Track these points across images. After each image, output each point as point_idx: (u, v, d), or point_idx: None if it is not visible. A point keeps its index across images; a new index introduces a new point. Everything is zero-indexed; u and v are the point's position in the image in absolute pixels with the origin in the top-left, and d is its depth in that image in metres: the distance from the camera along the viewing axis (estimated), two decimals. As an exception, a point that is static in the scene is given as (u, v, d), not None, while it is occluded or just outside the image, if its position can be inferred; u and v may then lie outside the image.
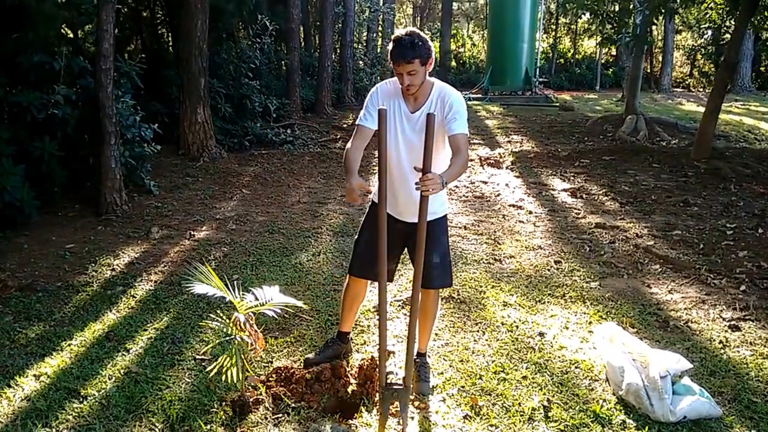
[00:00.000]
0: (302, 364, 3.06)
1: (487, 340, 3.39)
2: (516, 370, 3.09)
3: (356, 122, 2.69)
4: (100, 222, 5.50)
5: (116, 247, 4.91)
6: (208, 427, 2.60)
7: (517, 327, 3.53)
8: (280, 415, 2.66)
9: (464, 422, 2.67)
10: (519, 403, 2.80)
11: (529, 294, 3.99)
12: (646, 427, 2.61)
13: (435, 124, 2.35)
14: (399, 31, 2.50)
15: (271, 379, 2.90)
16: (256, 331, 2.63)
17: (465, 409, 2.76)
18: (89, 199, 5.87)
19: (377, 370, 2.78)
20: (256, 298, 2.72)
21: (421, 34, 2.49)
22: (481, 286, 4.09)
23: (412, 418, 2.68)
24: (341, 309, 3.12)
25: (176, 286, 4.16)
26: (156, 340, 3.39)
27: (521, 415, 2.71)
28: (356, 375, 2.93)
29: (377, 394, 2.67)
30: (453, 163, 2.50)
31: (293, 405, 2.72)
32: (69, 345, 3.32)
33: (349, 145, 2.64)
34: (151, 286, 4.17)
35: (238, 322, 2.58)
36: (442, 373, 3.04)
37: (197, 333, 3.47)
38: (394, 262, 2.92)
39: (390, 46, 2.50)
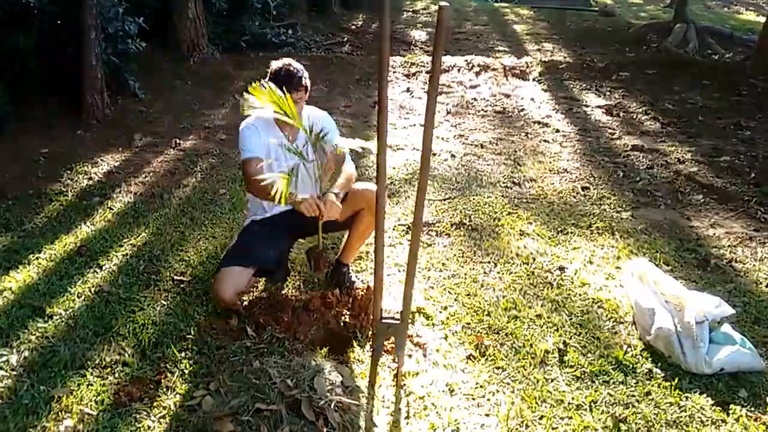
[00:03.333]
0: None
1: (498, 272, 3.22)
2: (530, 307, 2.93)
3: (243, 159, 2.72)
4: (79, 126, 5.29)
5: (95, 154, 4.73)
6: (183, 354, 2.50)
7: (534, 259, 3.35)
8: (263, 345, 2.54)
9: (467, 363, 2.55)
10: (530, 345, 2.66)
11: (550, 223, 3.79)
12: (676, 379, 2.47)
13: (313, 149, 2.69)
14: (278, 63, 2.65)
15: (255, 305, 2.77)
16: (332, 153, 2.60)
17: (469, 348, 2.63)
18: (68, 102, 5.61)
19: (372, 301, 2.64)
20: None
21: (299, 64, 2.69)
22: (495, 212, 3.89)
23: (409, 355, 2.55)
24: None
25: (158, 199, 4.00)
26: (132, 257, 3.26)
27: (532, 358, 2.58)
28: (350, 305, 2.80)
29: (371, 328, 2.54)
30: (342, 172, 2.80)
31: (278, 335, 2.60)
32: (37, 258, 3.21)
33: (254, 176, 2.62)
34: (131, 198, 4.02)
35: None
36: (446, 308, 2.89)
37: (177, 251, 3.33)
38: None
39: (276, 73, 2.61)
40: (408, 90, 6.81)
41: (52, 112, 5.44)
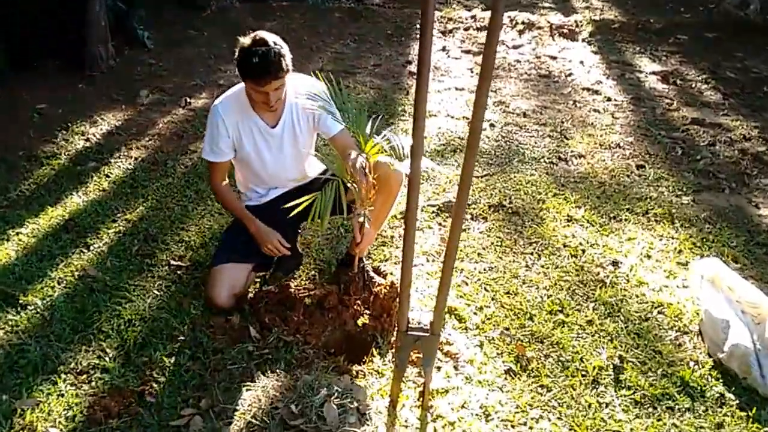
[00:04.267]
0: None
1: (543, 266, 2.83)
2: (579, 310, 2.55)
3: (204, 158, 2.44)
4: (81, 79, 4.93)
5: (95, 112, 4.38)
6: (173, 359, 2.17)
7: (583, 251, 2.95)
8: (267, 351, 2.21)
9: (506, 379, 2.19)
10: (581, 359, 2.29)
11: (601, 207, 3.36)
12: (754, 408, 2.09)
13: (305, 131, 2.43)
14: (247, 40, 2.14)
15: (261, 301, 2.42)
16: (370, 181, 2.11)
17: (508, 360, 2.26)
18: (71, 52, 5.25)
19: (397, 300, 2.29)
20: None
21: (274, 37, 2.17)
22: (539, 193, 3.46)
23: (438, 368, 2.20)
24: None
25: (161, 167, 3.65)
26: (125, 235, 2.93)
27: (583, 376, 2.21)
28: (370, 303, 2.43)
29: (394, 336, 2.19)
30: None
31: (286, 338, 2.26)
32: (17, 234, 2.90)
33: (216, 183, 2.48)
34: (130, 164, 3.68)
35: (353, 163, 2.09)
36: (481, 309, 2.52)
37: (177, 229, 2.99)
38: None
39: (246, 61, 2.12)
40: (443, 49, 6.28)
41: (51, 64, 5.09)
